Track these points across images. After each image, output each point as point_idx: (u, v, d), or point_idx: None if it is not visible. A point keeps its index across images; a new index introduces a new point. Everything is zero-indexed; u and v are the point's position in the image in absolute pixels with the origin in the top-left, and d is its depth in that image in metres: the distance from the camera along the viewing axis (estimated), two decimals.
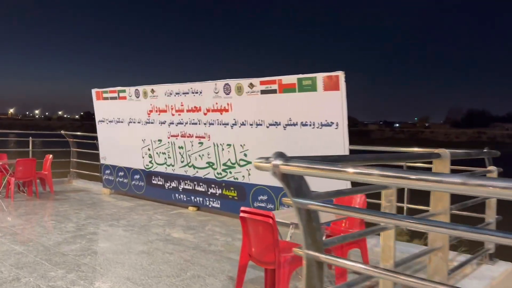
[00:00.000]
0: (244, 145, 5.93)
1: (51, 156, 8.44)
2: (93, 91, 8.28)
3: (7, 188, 7.79)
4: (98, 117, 8.34)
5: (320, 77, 4.96)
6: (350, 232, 3.81)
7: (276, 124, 5.49)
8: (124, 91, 7.63)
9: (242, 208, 3.30)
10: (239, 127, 5.93)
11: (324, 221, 3.41)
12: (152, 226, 5.85)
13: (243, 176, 6.03)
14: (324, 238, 3.06)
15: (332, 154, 4.95)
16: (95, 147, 9.22)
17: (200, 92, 6.36)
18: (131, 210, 6.91)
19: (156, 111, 7.10)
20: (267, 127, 5.60)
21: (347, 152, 4.87)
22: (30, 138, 9.37)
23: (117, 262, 4.29)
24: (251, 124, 5.79)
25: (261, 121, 5.65)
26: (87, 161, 9.69)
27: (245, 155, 5.94)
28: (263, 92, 5.56)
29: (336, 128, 4.91)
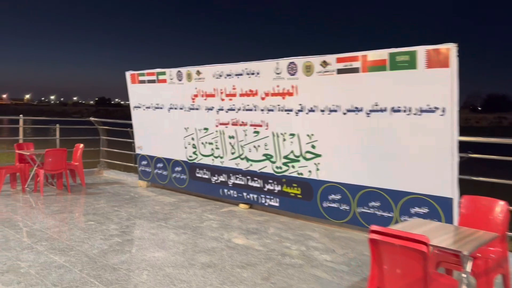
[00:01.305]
0: (312, 135, 5.05)
1: (81, 145, 7.70)
2: (128, 73, 7.46)
3: (35, 181, 7.10)
4: (133, 102, 7.53)
5: (422, 51, 4.01)
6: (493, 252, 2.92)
7: (357, 110, 4.58)
8: (163, 73, 6.78)
9: (374, 228, 2.43)
10: (306, 113, 5.04)
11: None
12: (206, 228, 5.05)
13: (310, 171, 5.16)
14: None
15: (433, 147, 4.05)
16: (127, 135, 8.46)
17: (258, 73, 5.47)
18: (176, 207, 6.13)
19: (202, 95, 6.25)
20: (344, 113, 4.69)
21: (455, 145, 3.94)
22: (57, 125, 8.64)
23: (181, 280, 3.50)
24: (322, 110, 4.89)
25: (337, 106, 4.75)
26: (119, 151, 8.93)
27: (313, 146, 5.06)
28: (340, 71, 4.64)
29: (442, 115, 3.98)
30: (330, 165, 4.96)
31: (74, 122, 9.40)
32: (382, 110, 4.39)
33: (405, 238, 2.25)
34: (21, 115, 8.15)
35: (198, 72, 6.22)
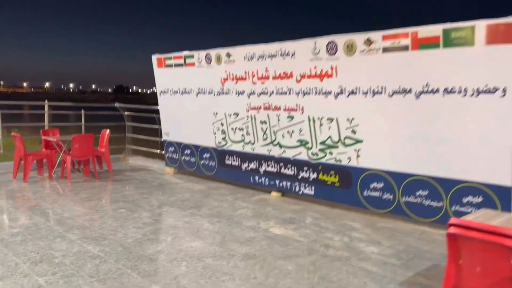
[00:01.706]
0: (352, 119, 4.74)
1: (108, 131, 7.57)
2: (154, 57, 7.24)
3: (62, 168, 7.01)
4: (159, 87, 7.33)
5: (481, 26, 3.65)
6: None
7: (405, 91, 4.25)
8: (191, 56, 6.54)
9: (454, 221, 2.15)
10: (347, 96, 4.73)
11: None
12: (241, 217, 4.84)
13: (349, 158, 4.87)
14: None
15: (491, 131, 3.71)
16: (153, 121, 8.31)
17: (293, 54, 5.17)
18: (206, 194, 5.93)
19: (233, 79, 5.98)
20: (390, 95, 4.37)
21: None
22: (82, 111, 8.52)
23: (222, 272, 3.29)
24: (365, 93, 4.57)
25: (382, 88, 4.42)
26: (144, 137, 8.77)
27: (354, 132, 4.76)
28: (386, 50, 4.31)
29: (503, 96, 3.63)
30: (372, 151, 4.66)
31: (99, 108, 9.27)
32: (434, 92, 4.05)
33: (492, 232, 1.96)
34: (46, 100, 8.05)
35: (228, 54, 5.95)
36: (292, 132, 5.40)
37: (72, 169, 7.28)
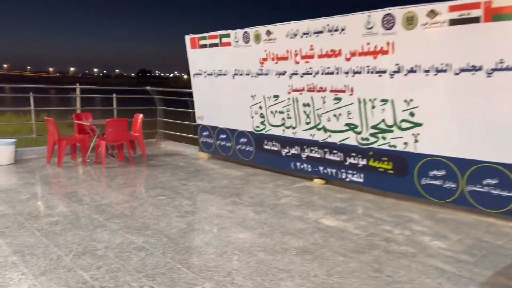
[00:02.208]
0: (411, 100, 4.32)
1: (141, 115, 7.36)
2: (187, 37, 6.93)
3: (96, 152, 6.86)
4: (193, 69, 7.03)
5: None
6: None
7: (474, 69, 3.80)
8: (228, 35, 6.19)
9: None
10: (405, 75, 4.31)
11: None
12: (286, 206, 4.54)
13: (405, 143, 4.47)
14: None
15: None
16: (185, 105, 8.06)
17: (342, 30, 4.75)
18: (246, 181, 5.66)
19: (273, 59, 5.62)
20: (457, 73, 3.92)
21: None
22: (114, 94, 8.34)
23: (278, 268, 3.01)
24: (426, 71, 4.13)
25: (446, 65, 3.98)
26: (177, 121, 8.54)
27: (412, 114, 4.34)
28: (454, 22, 3.85)
29: None
30: (433, 136, 4.24)
31: (130, 91, 9.07)
32: (510, 69, 3.59)
33: None
34: (77, 84, 7.89)
35: (268, 32, 5.57)
36: (339, 115, 5.02)
37: (106, 154, 7.13)
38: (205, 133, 7.16)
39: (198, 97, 7.15)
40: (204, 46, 6.65)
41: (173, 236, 3.61)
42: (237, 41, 6.06)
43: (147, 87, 8.69)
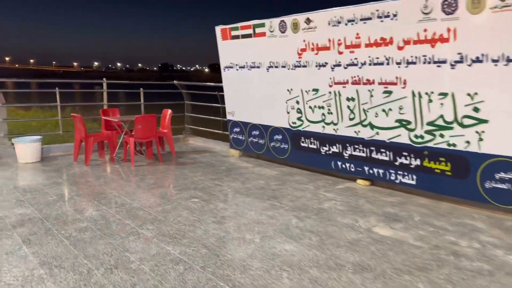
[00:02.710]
0: (475, 94, 3.82)
1: (170, 111, 7.05)
2: (218, 28, 6.55)
3: (124, 150, 6.60)
4: (223, 62, 6.66)
5: None
6: None
7: None
8: (262, 25, 5.77)
9: None
10: (469, 65, 3.81)
11: None
12: (331, 211, 4.13)
13: (468, 142, 3.98)
14: None
15: None
16: (214, 99, 7.72)
17: (394, 16, 4.27)
18: (282, 182, 5.27)
19: (313, 49, 5.18)
20: None
21: None
22: (141, 89, 8.07)
23: None
24: (495, 60, 3.62)
25: None
26: (205, 116, 8.20)
27: (476, 109, 3.84)
28: None
29: None
30: (500, 134, 3.74)
31: (156, 85, 8.79)
32: None
33: None
34: (104, 79, 7.65)
35: (308, 20, 5.13)
36: (389, 110, 4.55)
37: (134, 151, 6.87)
38: (236, 129, 6.79)
39: (229, 91, 6.78)
40: (236, 37, 6.26)
41: (212, 247, 3.26)
42: (272, 31, 5.64)
43: (175, 81, 8.38)
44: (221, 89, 7.21)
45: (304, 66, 5.34)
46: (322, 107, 5.27)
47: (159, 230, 3.60)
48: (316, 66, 5.18)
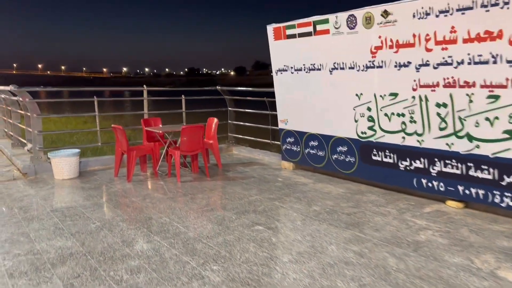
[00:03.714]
0: None
1: (216, 119, 6.42)
2: (270, 28, 5.87)
3: (168, 163, 6.00)
4: (276, 64, 5.96)
5: None
6: None
7: None
8: (325, 21, 5.04)
9: None
10: None
11: None
12: (432, 245, 3.33)
13: None
14: None
15: None
16: (260, 105, 7.05)
17: (506, 3, 3.45)
18: (355, 203, 4.50)
19: (391, 46, 4.40)
20: None
21: None
22: (183, 96, 7.48)
23: None
24: None
25: None
26: (254, 125, 7.49)
27: None
28: None
29: None
30: None
31: (196, 92, 8.18)
32: None
33: None
34: (144, 86, 7.10)
35: (386, 13, 4.36)
36: (495, 119, 3.72)
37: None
38: (290, 139, 6.07)
39: (281, 97, 6.07)
40: (292, 36, 5.55)
41: None
42: (338, 27, 4.90)
43: (218, 87, 7.76)
44: (269, 94, 6.55)
45: (379, 67, 4.56)
46: (402, 115, 4.48)
47: (227, 273, 2.92)
48: (396, 66, 4.40)
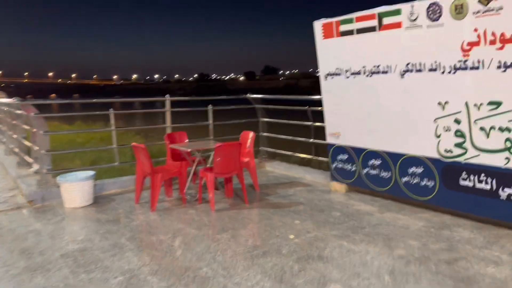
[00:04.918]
0: None
1: (252, 133, 5.47)
2: (318, 24, 4.92)
3: (199, 186, 5.06)
4: (325, 67, 5.00)
5: None
6: None
7: None
8: (396, 12, 4.07)
9: None
10: None
11: None
12: None
13: None
14: None
15: None
16: (298, 115, 6.11)
17: None
18: (446, 242, 3.48)
19: (492, 42, 3.41)
20: None
21: None
22: (210, 106, 6.53)
23: None
24: None
25: None
26: (295, 138, 6.46)
27: None
28: None
29: None
30: None
31: (223, 101, 7.23)
32: None
33: None
34: (167, 95, 6.18)
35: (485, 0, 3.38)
36: None
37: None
38: (343, 157, 5.09)
39: (332, 106, 5.10)
40: (348, 32, 4.59)
41: None
42: (414, 19, 3.92)
43: (248, 95, 6.81)
44: (312, 103, 5.65)
45: (474, 68, 3.57)
46: (507, 129, 3.48)
47: None
48: (499, 67, 3.40)
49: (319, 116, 5.61)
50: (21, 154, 6.55)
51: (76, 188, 4.81)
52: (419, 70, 4.00)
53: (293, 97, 6.34)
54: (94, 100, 6.47)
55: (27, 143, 6.13)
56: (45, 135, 5.17)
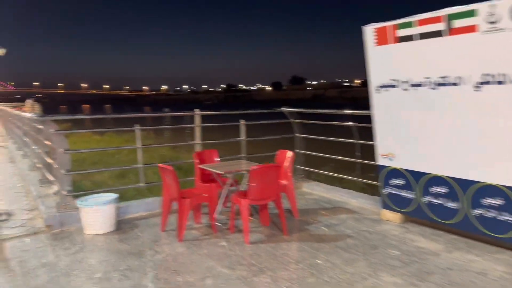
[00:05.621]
0: None
1: (290, 153, 4.88)
2: (369, 29, 4.30)
3: (230, 213, 4.49)
4: (378, 78, 4.36)
5: None
6: None
7: None
8: (470, 13, 3.41)
9: None
10: None
11: None
12: None
13: None
14: None
15: None
16: (345, 131, 5.48)
17: None
18: None
19: None
20: None
21: None
22: (242, 121, 5.98)
23: None
24: None
25: None
26: (340, 157, 5.78)
27: None
28: None
29: None
30: None
31: (255, 115, 6.64)
32: None
33: None
34: (198, 110, 5.68)
35: None
36: None
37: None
38: (398, 182, 4.40)
39: (385, 122, 4.44)
40: (407, 38, 3.94)
41: None
42: (493, 22, 3.24)
43: (283, 108, 6.23)
44: (358, 118, 5.02)
45: None
46: None
47: None
48: None
49: (364, 132, 5.02)
50: (43, 170, 6.20)
51: (97, 213, 4.34)
52: (501, 82, 3.30)
53: (334, 112, 5.68)
54: (112, 116, 6.10)
55: (48, 160, 5.75)
56: (66, 153, 4.74)
